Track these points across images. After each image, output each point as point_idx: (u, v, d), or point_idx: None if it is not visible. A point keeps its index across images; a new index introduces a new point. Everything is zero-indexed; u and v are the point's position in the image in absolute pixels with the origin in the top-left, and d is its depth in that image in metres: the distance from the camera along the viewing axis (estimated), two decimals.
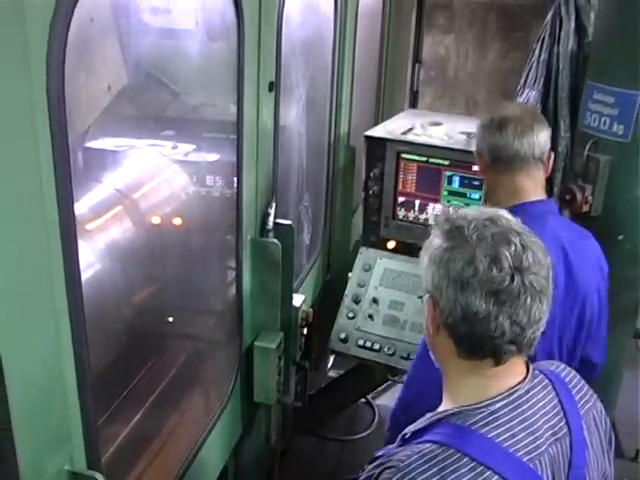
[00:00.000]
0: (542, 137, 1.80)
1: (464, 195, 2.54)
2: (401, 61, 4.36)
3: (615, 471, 2.57)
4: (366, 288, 2.64)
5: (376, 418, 3.45)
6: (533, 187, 1.79)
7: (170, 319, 2.00)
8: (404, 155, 2.57)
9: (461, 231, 1.10)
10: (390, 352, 2.52)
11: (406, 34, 4.92)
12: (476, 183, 2.50)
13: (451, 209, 1.42)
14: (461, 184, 2.53)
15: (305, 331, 2.19)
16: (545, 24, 4.52)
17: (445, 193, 2.56)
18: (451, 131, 2.63)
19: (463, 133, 2.62)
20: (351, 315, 2.61)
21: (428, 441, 1.09)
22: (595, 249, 1.91)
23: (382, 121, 3.62)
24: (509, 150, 1.75)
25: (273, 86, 1.94)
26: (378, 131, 2.63)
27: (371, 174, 2.62)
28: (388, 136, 2.57)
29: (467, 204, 2.54)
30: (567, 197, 3.06)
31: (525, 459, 1.07)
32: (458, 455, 1.05)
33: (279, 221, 2.02)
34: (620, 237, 3.13)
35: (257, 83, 1.85)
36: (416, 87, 5.39)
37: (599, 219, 3.10)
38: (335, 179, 2.86)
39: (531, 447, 1.09)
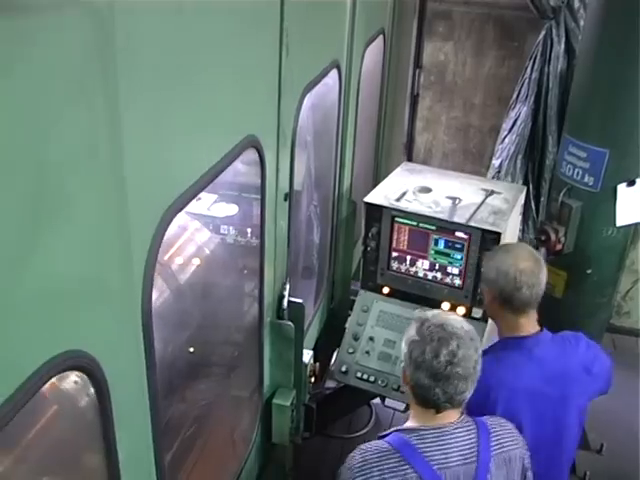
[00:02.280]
0: (544, 283, 2.25)
1: (448, 255, 2.99)
2: (401, 94, 4.65)
3: (581, 463, 3.11)
4: (364, 327, 3.14)
5: (373, 417, 4.01)
6: (529, 324, 2.28)
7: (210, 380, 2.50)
8: (398, 219, 3.01)
9: (423, 331, 1.81)
10: (383, 384, 3.03)
11: (408, 42, 5.16)
12: (458, 246, 2.95)
13: (428, 312, 1.93)
14: (446, 246, 2.98)
15: (312, 380, 2.70)
16: (537, 44, 4.85)
17: (432, 252, 3.02)
18: (439, 197, 3.06)
19: (449, 198, 3.05)
20: (351, 350, 3.11)
21: (386, 441, 1.83)
22: (580, 357, 2.31)
23: (382, 156, 4.04)
24: (521, 301, 2.22)
25: (287, 197, 2.37)
26: (376, 196, 3.05)
27: (369, 233, 3.07)
28: (384, 203, 3.00)
29: (450, 262, 3.00)
30: (542, 237, 3.51)
31: (435, 467, 1.76)
32: (398, 454, 1.77)
33: (292, 300, 2.49)
34: (589, 271, 3.62)
35: (275, 195, 2.28)
36: (416, 91, 5.71)
37: (570, 256, 3.57)
38: (339, 228, 3.31)
39: (442, 463, 1.77)
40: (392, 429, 1.87)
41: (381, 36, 3.61)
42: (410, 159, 5.82)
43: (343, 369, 3.10)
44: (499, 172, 4.97)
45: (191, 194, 1.59)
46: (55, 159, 1.04)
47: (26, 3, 0.92)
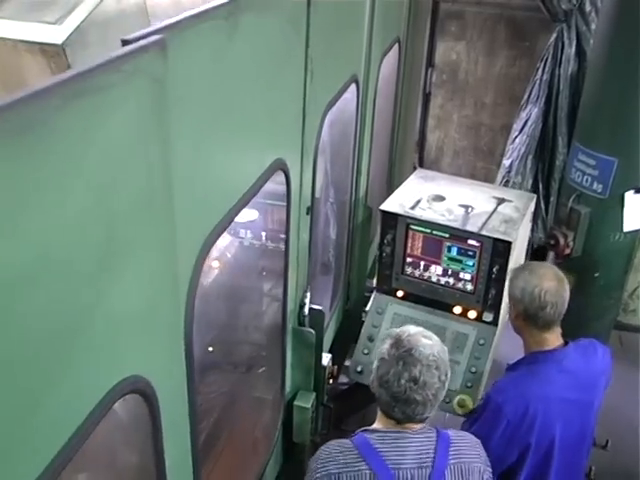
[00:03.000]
0: (567, 301, 2.38)
1: (460, 261, 3.12)
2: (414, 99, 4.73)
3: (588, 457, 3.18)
4: (379, 329, 3.27)
5: None
6: (555, 338, 2.41)
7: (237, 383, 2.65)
8: (412, 226, 3.13)
9: (392, 352, 1.94)
10: None
11: (421, 43, 5.22)
12: (470, 253, 3.07)
13: (404, 332, 2.00)
14: (458, 253, 3.10)
15: (330, 381, 2.84)
16: (548, 46, 4.93)
17: (445, 258, 3.15)
18: (452, 205, 3.18)
19: (462, 206, 3.17)
20: (366, 352, 3.25)
21: (350, 439, 2.00)
22: (599, 363, 2.47)
23: (396, 155, 4.15)
24: (545, 319, 2.37)
25: (309, 210, 2.50)
26: (391, 204, 3.18)
27: (385, 239, 3.20)
28: (399, 211, 3.13)
29: (463, 268, 3.13)
30: (551, 242, 3.63)
31: (389, 466, 1.90)
32: (356, 451, 1.93)
33: (313, 307, 2.63)
34: (596, 274, 3.74)
35: (298, 210, 2.41)
36: (428, 89, 5.80)
37: (578, 260, 3.70)
38: (355, 232, 3.44)
39: (396, 463, 1.91)
40: (360, 429, 2.04)
41: (396, 44, 3.71)
42: (422, 157, 5.94)
43: (358, 369, 3.24)
44: (509, 172, 5.08)
45: (227, 220, 1.72)
46: (122, 208, 1.17)
47: (99, 85, 1.05)
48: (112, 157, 1.12)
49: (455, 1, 5.54)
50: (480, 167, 5.90)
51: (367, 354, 3.26)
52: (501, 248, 3.00)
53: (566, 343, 2.45)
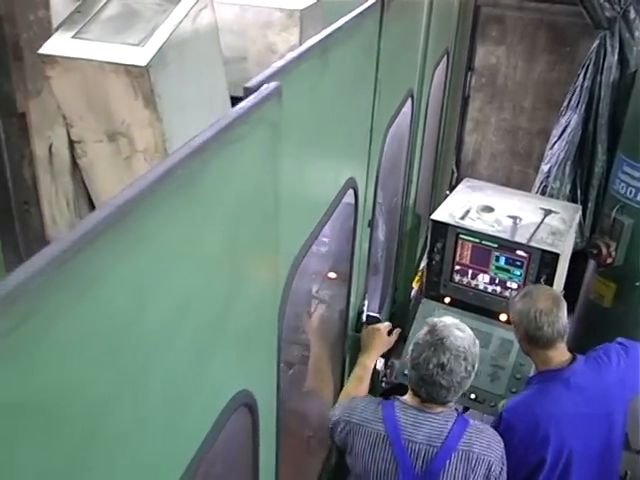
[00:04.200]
0: (565, 318, 2.47)
1: (508, 271, 3.22)
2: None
3: (621, 463, 3.35)
4: None
5: None
6: (560, 355, 2.49)
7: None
8: (462, 236, 3.24)
9: (426, 338, 2.14)
10: None
11: (464, 47, 5.27)
12: (518, 263, 3.17)
13: (441, 321, 2.20)
14: (506, 262, 3.21)
15: (383, 384, 2.97)
16: (590, 53, 4.97)
17: (493, 267, 3.25)
18: (500, 216, 3.28)
19: (510, 217, 3.27)
20: None
21: (382, 401, 2.27)
22: (614, 372, 2.54)
23: (441, 160, 4.24)
24: (545, 339, 2.47)
25: (370, 223, 2.62)
26: (442, 214, 3.29)
27: (435, 247, 3.31)
28: (450, 221, 3.23)
29: (510, 277, 3.23)
30: (594, 251, 3.72)
31: (403, 436, 2.12)
32: (380, 412, 2.19)
33: (370, 314, 2.76)
34: (638, 283, 3.81)
35: (362, 224, 2.53)
36: (467, 92, 5.86)
37: (620, 268, 3.78)
38: (404, 238, 3.55)
39: (409, 434, 2.13)
40: (395, 396, 2.28)
41: (445, 55, 3.79)
42: (459, 160, 6.01)
43: (405, 372, 3.35)
44: (548, 177, 5.13)
45: (312, 239, 1.84)
46: (244, 241, 1.30)
47: (234, 136, 1.17)
48: (240, 197, 1.24)
49: (496, 5, 5.58)
50: (517, 170, 5.96)
51: None
52: (549, 259, 3.09)
53: (574, 357, 2.54)
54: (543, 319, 2.45)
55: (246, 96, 1.28)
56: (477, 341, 2.19)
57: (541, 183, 5.17)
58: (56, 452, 0.80)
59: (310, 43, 1.62)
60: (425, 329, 2.17)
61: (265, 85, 1.32)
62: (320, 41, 1.66)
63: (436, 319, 2.21)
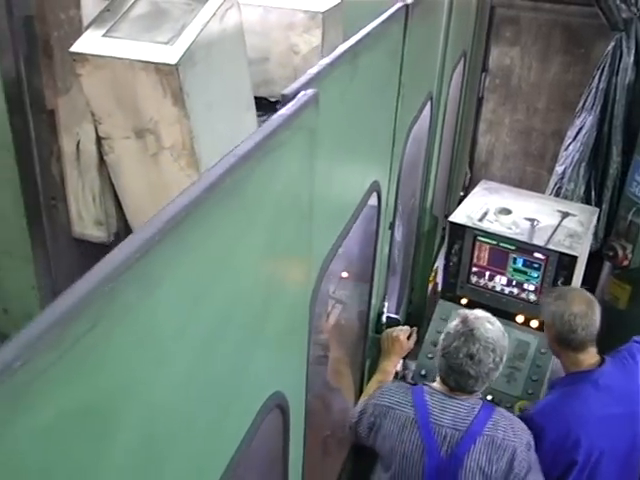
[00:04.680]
0: (598, 322, 2.48)
1: (525, 273, 3.24)
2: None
3: None
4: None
5: None
6: (590, 357, 2.51)
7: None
8: (479, 238, 3.25)
9: (457, 328, 2.24)
10: None
11: (480, 49, 5.26)
12: (536, 265, 3.19)
13: (472, 313, 2.30)
14: (524, 264, 3.22)
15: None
16: (605, 54, 4.97)
17: (510, 269, 3.27)
18: (518, 218, 3.29)
19: (528, 219, 3.28)
20: (430, 356, 3.39)
21: (412, 386, 2.39)
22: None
23: (457, 161, 4.26)
24: (578, 342, 2.48)
25: (391, 225, 2.64)
26: (459, 216, 3.30)
27: (452, 249, 3.32)
28: (468, 223, 3.25)
29: (527, 279, 3.25)
30: (610, 253, 3.73)
31: (431, 419, 2.20)
32: (410, 396, 2.29)
33: (390, 315, 2.78)
34: None
35: (384, 226, 2.55)
36: (481, 93, 5.87)
37: (636, 271, 3.79)
38: (420, 239, 3.57)
39: (436, 417, 2.21)
40: (424, 382, 2.44)
41: (463, 57, 3.81)
42: (472, 160, 6.02)
43: (422, 372, 3.38)
44: (562, 179, 5.14)
45: (338, 244, 1.87)
46: (281, 246, 1.32)
47: (276, 143, 1.19)
48: (279, 203, 1.27)
49: (511, 6, 5.59)
50: (530, 171, 5.97)
51: (431, 358, 3.39)
52: (566, 262, 3.10)
53: (603, 360, 2.55)
54: (577, 322, 2.47)
55: (284, 103, 1.31)
56: (506, 335, 2.25)
57: (555, 184, 5.18)
58: (117, 453, 0.83)
59: (342, 49, 1.64)
60: (457, 320, 2.27)
61: (302, 92, 1.35)
62: (351, 47, 1.68)
63: (467, 311, 2.32)
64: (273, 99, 2.62)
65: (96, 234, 1.71)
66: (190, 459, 1.05)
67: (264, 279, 1.26)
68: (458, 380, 2.20)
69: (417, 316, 3.71)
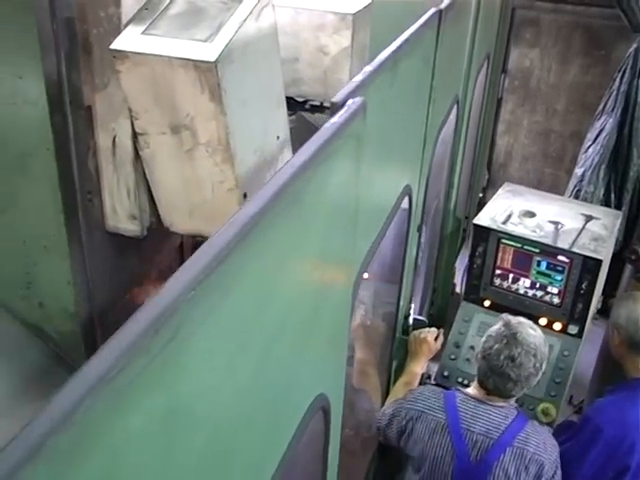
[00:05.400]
0: None
1: (549, 275, 3.25)
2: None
3: None
4: (465, 336, 3.42)
5: None
6: None
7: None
8: (503, 240, 3.27)
9: (500, 331, 2.30)
10: None
11: (500, 50, 5.25)
12: (560, 269, 3.20)
13: (514, 319, 2.35)
14: (547, 267, 3.23)
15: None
16: (627, 56, 4.97)
17: (534, 272, 3.28)
18: (542, 221, 3.30)
19: (552, 223, 3.29)
20: (453, 357, 3.41)
21: (445, 391, 2.42)
22: None
23: (477, 166, 4.27)
24: None
25: (419, 228, 2.66)
26: (484, 219, 3.32)
27: (476, 252, 3.34)
28: (492, 226, 3.26)
29: (551, 282, 3.26)
30: (632, 257, 3.72)
31: (462, 425, 2.23)
32: (442, 401, 2.32)
33: (417, 317, 2.80)
34: None
35: (413, 230, 2.57)
36: (500, 94, 5.87)
37: None
38: (444, 241, 3.59)
39: (469, 423, 2.24)
40: (457, 387, 2.46)
41: (486, 59, 3.82)
42: (490, 161, 6.02)
43: (445, 374, 3.40)
44: (582, 181, 5.14)
45: (375, 247, 1.89)
46: (331, 250, 1.35)
47: (330, 151, 1.22)
48: (330, 210, 1.30)
49: (531, 8, 5.59)
50: (548, 173, 5.97)
51: (454, 359, 3.41)
52: (591, 265, 3.11)
53: None
54: None
55: (333, 111, 1.33)
56: (547, 343, 2.28)
57: (575, 187, 5.18)
58: (192, 451, 0.86)
59: (383, 56, 1.67)
60: (499, 323, 2.32)
61: (350, 100, 1.37)
62: (392, 54, 1.70)
63: (510, 316, 2.36)
64: (300, 99, 2.64)
65: (130, 228, 1.72)
66: (248, 458, 1.08)
67: (315, 285, 1.28)
68: (497, 383, 2.22)
69: (439, 318, 3.73)
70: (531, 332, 2.26)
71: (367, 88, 1.49)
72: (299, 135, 1.92)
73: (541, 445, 2.23)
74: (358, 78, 1.49)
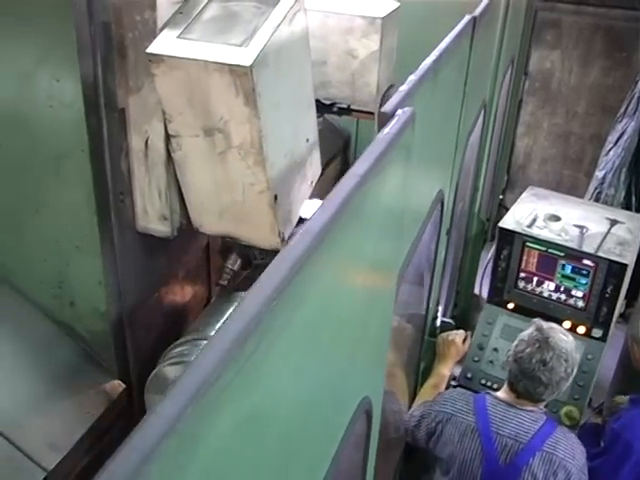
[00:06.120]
0: None
1: (574, 279, 3.27)
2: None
3: None
4: (489, 338, 3.45)
5: None
6: None
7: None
8: (528, 244, 3.29)
9: (532, 335, 2.31)
10: None
11: (524, 57, 5.26)
12: (584, 272, 3.22)
13: (546, 324, 2.38)
14: (572, 271, 3.25)
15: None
16: None
17: (559, 276, 3.30)
18: (567, 225, 3.32)
19: (577, 227, 3.31)
20: (476, 359, 3.43)
21: (474, 394, 2.45)
22: None
23: (500, 169, 4.28)
24: None
25: (448, 232, 2.69)
26: (509, 222, 3.34)
27: (501, 254, 3.36)
28: (517, 229, 3.29)
29: (575, 286, 3.27)
30: None
31: (492, 428, 2.26)
32: (472, 404, 2.34)
33: (444, 320, 2.83)
34: None
35: (443, 234, 2.60)
36: (520, 96, 5.86)
37: None
38: (468, 243, 3.62)
39: (498, 427, 2.27)
40: (487, 391, 2.50)
41: (511, 63, 3.84)
42: (509, 163, 6.03)
43: (468, 375, 3.42)
44: (602, 184, 5.14)
45: (411, 256, 1.92)
46: (380, 256, 1.38)
47: (385, 162, 1.25)
48: (383, 218, 1.33)
49: (553, 10, 5.58)
50: (567, 175, 5.97)
51: (477, 361, 3.44)
52: (616, 270, 3.13)
53: None
54: None
55: (382, 121, 1.36)
56: (578, 349, 2.29)
57: (595, 189, 5.18)
58: (268, 452, 0.89)
59: (426, 65, 1.69)
60: (531, 328, 2.36)
61: (399, 110, 1.40)
62: (433, 63, 1.73)
63: (542, 321, 2.39)
64: (328, 102, 2.67)
65: (160, 228, 1.74)
66: (307, 457, 1.12)
67: (367, 291, 1.32)
68: (528, 386, 2.25)
69: (462, 320, 3.75)
70: (563, 337, 2.30)
71: (413, 98, 1.52)
72: (323, 137, 1.96)
73: (569, 451, 2.25)
74: (403, 88, 1.51)
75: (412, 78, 1.59)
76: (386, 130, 1.30)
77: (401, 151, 1.36)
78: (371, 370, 1.56)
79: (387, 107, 1.41)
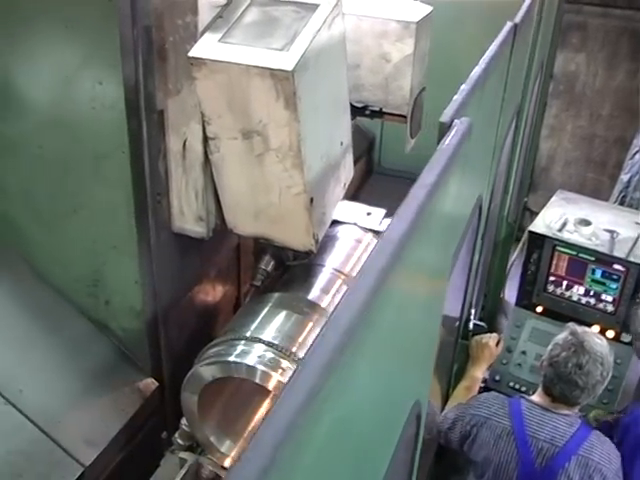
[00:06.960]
0: None
1: (604, 284, 3.28)
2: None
3: None
4: (517, 341, 3.47)
5: None
6: None
7: None
8: (559, 248, 3.31)
9: (567, 339, 2.33)
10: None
11: (551, 60, 5.24)
12: (615, 277, 3.23)
13: (580, 328, 2.40)
14: (602, 275, 3.26)
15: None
16: None
17: (589, 280, 3.31)
18: (597, 229, 3.33)
19: (607, 231, 3.32)
20: (504, 362, 3.45)
21: (509, 398, 2.44)
22: None
23: (527, 171, 4.29)
24: None
25: (483, 236, 2.71)
26: (539, 226, 3.36)
27: (531, 258, 3.38)
28: (548, 233, 3.31)
29: (605, 290, 3.29)
30: None
31: (527, 432, 2.28)
32: (507, 408, 2.37)
33: (476, 322, 2.85)
34: None
35: (479, 238, 2.62)
36: (545, 99, 5.86)
37: None
38: (497, 247, 3.63)
39: (534, 430, 2.28)
40: (522, 395, 2.50)
41: (541, 67, 3.85)
42: (533, 165, 6.03)
43: (497, 378, 3.45)
44: (628, 187, 5.14)
45: (455, 260, 1.94)
46: (437, 274, 1.41)
47: (447, 176, 1.28)
48: (442, 228, 1.36)
49: (579, 12, 5.58)
50: (590, 178, 5.96)
51: (505, 364, 3.46)
52: None
53: None
54: None
55: (442, 132, 1.39)
56: (612, 352, 2.32)
57: (620, 193, 5.18)
58: (345, 449, 0.93)
59: (476, 75, 1.72)
60: (566, 332, 2.38)
61: (456, 120, 1.43)
62: (483, 72, 1.75)
63: (577, 325, 2.41)
64: (360, 105, 2.69)
65: (196, 229, 1.76)
66: (373, 459, 1.15)
67: (426, 299, 1.35)
68: (564, 390, 2.27)
69: (489, 323, 3.77)
70: (598, 341, 2.32)
71: (467, 107, 1.54)
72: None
73: (605, 455, 2.27)
74: (458, 98, 1.54)
75: (464, 88, 1.61)
76: (447, 141, 1.33)
77: (460, 160, 1.39)
78: (421, 374, 1.59)
79: (444, 117, 1.43)
